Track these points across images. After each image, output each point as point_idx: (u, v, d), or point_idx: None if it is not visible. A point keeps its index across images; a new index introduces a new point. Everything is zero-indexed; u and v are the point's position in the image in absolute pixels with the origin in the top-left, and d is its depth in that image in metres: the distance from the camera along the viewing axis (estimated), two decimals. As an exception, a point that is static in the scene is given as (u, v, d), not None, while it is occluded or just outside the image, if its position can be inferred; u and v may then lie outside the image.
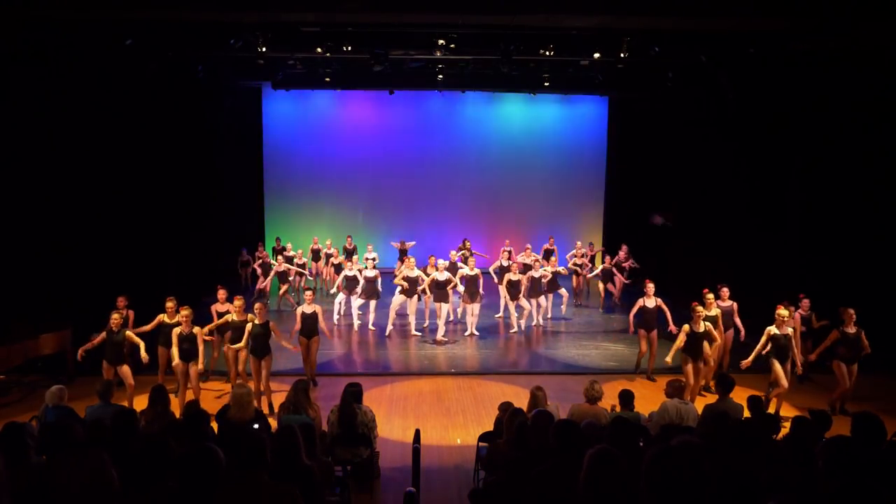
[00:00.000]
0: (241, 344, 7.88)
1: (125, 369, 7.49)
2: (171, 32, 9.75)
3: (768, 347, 7.66)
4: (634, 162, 15.88)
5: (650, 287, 9.11)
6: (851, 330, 7.63)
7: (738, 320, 8.83)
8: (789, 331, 7.73)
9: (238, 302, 8.26)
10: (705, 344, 8.02)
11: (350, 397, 5.79)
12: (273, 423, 6.21)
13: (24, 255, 9.50)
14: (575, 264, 13.58)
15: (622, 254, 13.45)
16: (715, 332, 8.16)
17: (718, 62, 10.68)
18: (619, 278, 13.27)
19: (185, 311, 7.69)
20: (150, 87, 10.88)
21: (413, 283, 10.85)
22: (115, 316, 7.73)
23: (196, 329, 7.72)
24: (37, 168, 9.59)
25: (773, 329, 7.72)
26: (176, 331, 7.67)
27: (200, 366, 7.75)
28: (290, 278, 12.89)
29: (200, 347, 7.69)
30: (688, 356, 7.88)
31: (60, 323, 8.96)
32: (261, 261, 13.39)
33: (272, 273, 12.61)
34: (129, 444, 3.87)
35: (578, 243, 13.94)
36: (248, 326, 7.87)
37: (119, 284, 9.21)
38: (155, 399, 5.50)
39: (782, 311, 7.75)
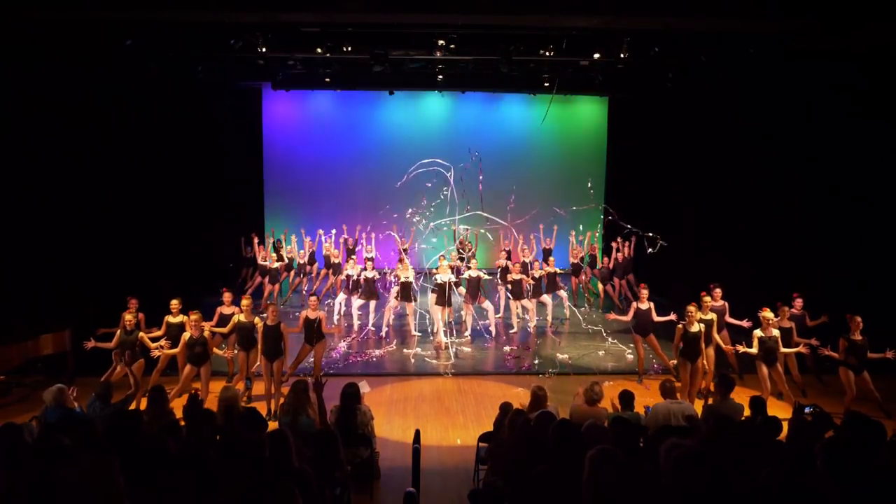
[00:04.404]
0: (259, 346, 7.91)
1: (135, 369, 7.52)
2: (171, 32, 9.74)
3: (755, 349, 7.72)
4: (634, 162, 15.87)
5: (644, 292, 9.12)
6: (858, 338, 7.61)
7: (730, 320, 8.84)
8: (775, 333, 7.75)
9: (246, 302, 8.27)
10: (706, 348, 8.03)
11: (348, 398, 5.79)
12: (273, 424, 6.22)
13: (24, 255, 9.50)
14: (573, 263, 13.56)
15: (616, 253, 13.35)
16: (717, 337, 8.20)
17: (718, 62, 10.68)
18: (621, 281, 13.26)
19: (194, 316, 7.73)
20: (150, 88, 10.88)
21: (408, 286, 10.83)
22: (128, 317, 7.84)
23: (207, 333, 7.75)
24: (37, 168, 9.59)
25: (759, 332, 7.77)
26: (185, 336, 7.70)
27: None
28: (280, 279, 12.84)
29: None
30: (685, 359, 7.89)
31: (60, 323, 8.96)
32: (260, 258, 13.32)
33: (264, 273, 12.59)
34: (133, 445, 3.87)
35: (571, 238, 13.82)
36: (260, 327, 7.88)
37: (119, 285, 9.23)
38: (154, 399, 5.50)
39: (767, 314, 7.80)
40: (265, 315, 8.00)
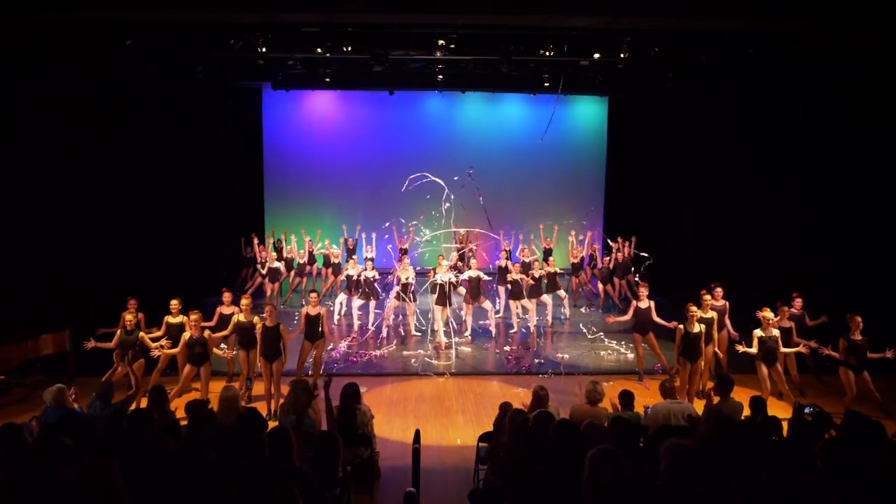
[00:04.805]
0: (257, 347, 7.92)
1: (136, 369, 7.53)
2: (171, 32, 9.74)
3: (755, 349, 7.73)
4: (634, 162, 15.88)
5: (643, 290, 9.12)
6: (858, 337, 7.61)
7: (727, 321, 8.83)
8: (775, 333, 7.75)
9: (245, 301, 8.26)
10: (705, 346, 8.03)
11: (348, 398, 5.79)
12: (273, 424, 6.21)
13: (24, 255, 9.50)
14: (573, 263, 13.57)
15: (616, 253, 13.36)
16: (715, 337, 8.20)
17: (718, 62, 10.67)
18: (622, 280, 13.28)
19: (194, 316, 7.74)
20: (150, 88, 10.88)
21: (408, 287, 10.83)
22: (128, 317, 7.85)
23: (206, 333, 7.76)
24: (37, 168, 9.59)
25: (759, 332, 7.76)
26: (185, 336, 7.70)
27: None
28: (281, 278, 12.87)
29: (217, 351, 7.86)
30: (685, 359, 7.88)
31: (60, 323, 8.96)
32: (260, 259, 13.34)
33: (265, 271, 12.63)
34: (132, 445, 3.87)
35: (571, 238, 13.80)
36: (259, 328, 7.87)
37: (120, 285, 9.23)
38: (154, 399, 5.50)
39: (767, 314, 7.80)
40: (264, 315, 7.99)
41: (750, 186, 11.48)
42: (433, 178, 11.24)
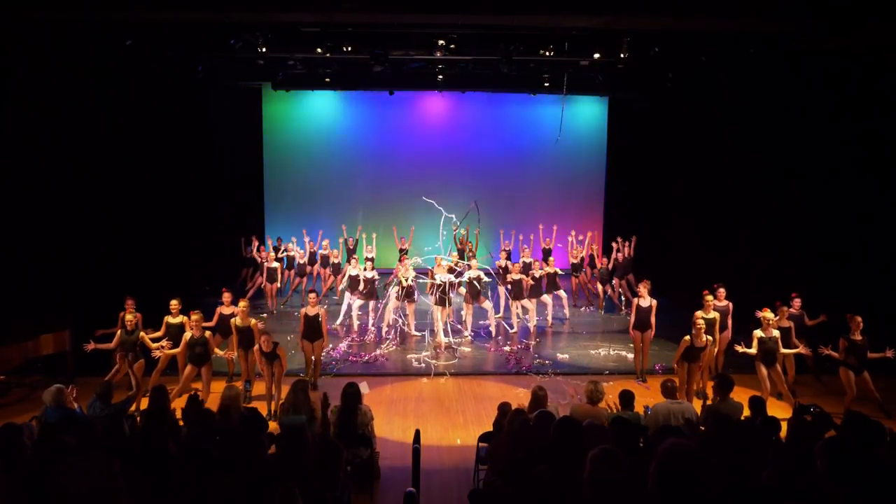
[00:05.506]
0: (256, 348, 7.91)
1: (136, 369, 7.52)
2: (171, 32, 9.75)
3: (755, 350, 7.72)
4: (634, 162, 15.88)
5: (644, 288, 9.12)
6: (858, 337, 7.60)
7: (729, 321, 8.81)
8: (775, 333, 7.74)
9: (243, 304, 8.26)
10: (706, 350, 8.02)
11: (349, 398, 5.79)
12: (273, 424, 6.23)
13: (23, 255, 9.49)
14: (573, 263, 13.57)
15: (616, 253, 13.37)
16: (715, 335, 8.18)
17: (718, 62, 10.68)
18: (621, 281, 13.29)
19: (195, 316, 7.74)
20: (150, 88, 10.88)
21: (408, 287, 10.81)
22: (129, 317, 7.86)
23: (207, 333, 7.76)
24: (36, 168, 9.58)
25: (759, 332, 7.75)
26: (186, 336, 7.70)
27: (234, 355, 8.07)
28: (279, 279, 12.88)
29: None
30: (683, 359, 7.86)
31: (60, 323, 8.95)
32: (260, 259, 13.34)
33: (263, 273, 12.66)
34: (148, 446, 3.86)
35: (571, 238, 13.81)
36: (256, 349, 7.84)
37: (119, 285, 9.22)
38: (155, 399, 5.50)
39: (767, 315, 7.78)
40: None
41: (750, 186, 11.48)
42: (440, 208, 11.41)
